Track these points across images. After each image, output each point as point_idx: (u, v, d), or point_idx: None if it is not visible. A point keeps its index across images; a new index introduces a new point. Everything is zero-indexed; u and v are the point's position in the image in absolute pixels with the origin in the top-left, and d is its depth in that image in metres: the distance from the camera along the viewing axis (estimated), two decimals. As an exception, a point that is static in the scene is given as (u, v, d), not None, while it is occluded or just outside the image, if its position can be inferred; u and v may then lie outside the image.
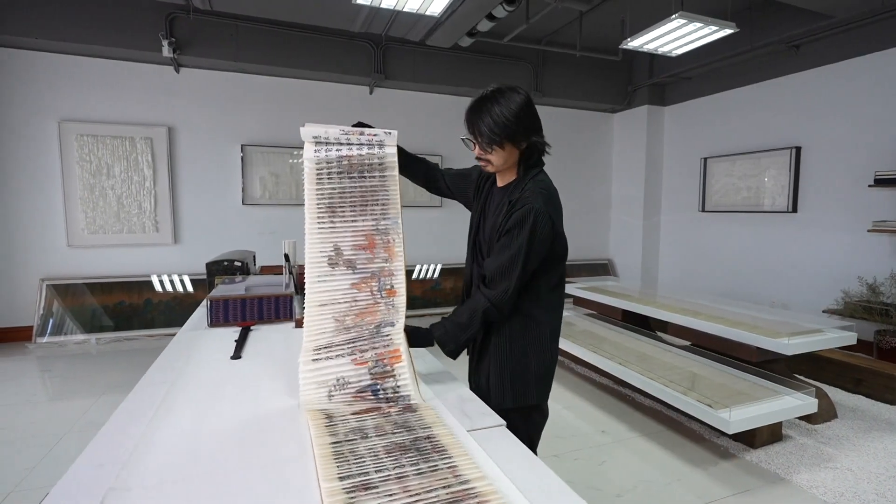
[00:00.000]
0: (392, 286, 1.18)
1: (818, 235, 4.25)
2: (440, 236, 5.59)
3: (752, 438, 2.36)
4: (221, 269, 2.57)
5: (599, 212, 6.51)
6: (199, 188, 4.68)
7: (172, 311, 4.56)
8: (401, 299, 1.17)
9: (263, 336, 1.69)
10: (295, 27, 4.48)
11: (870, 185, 3.78)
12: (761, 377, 2.63)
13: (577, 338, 3.55)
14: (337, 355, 1.09)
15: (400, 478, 0.80)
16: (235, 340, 1.61)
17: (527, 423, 1.33)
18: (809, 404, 2.34)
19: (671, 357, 3.07)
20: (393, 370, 1.08)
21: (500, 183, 1.34)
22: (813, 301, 4.22)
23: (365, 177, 1.23)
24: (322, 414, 1.02)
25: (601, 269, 6.53)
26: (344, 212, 1.19)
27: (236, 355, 1.45)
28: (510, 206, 1.22)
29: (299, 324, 1.81)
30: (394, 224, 1.21)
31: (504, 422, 1.05)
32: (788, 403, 2.33)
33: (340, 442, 0.92)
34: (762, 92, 4.72)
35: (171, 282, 4.62)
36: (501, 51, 5.24)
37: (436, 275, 5.52)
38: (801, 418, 2.69)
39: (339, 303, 1.14)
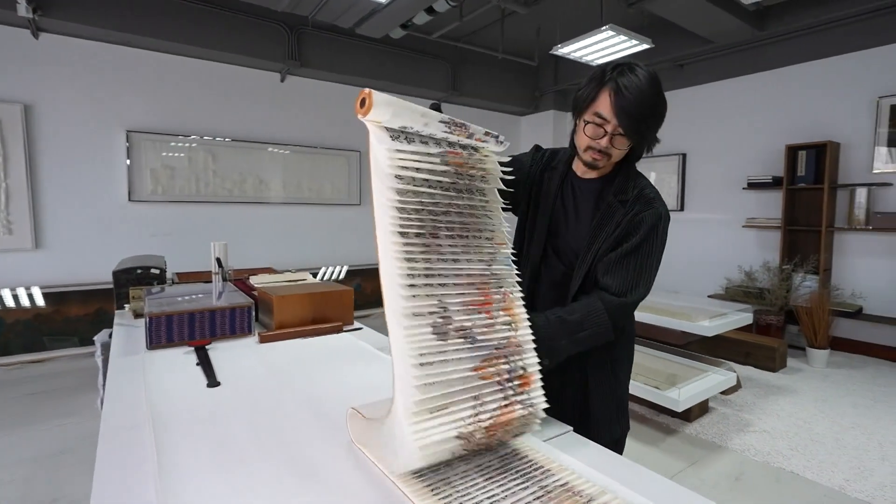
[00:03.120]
0: (525, 369, 0.75)
1: (702, 231, 4.89)
2: (358, 236, 5.35)
3: (688, 414, 2.62)
4: (134, 278, 2.14)
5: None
6: (70, 181, 3.87)
7: (36, 332, 3.71)
8: (536, 394, 0.74)
9: (227, 356, 1.42)
10: (195, -1, 3.93)
11: (743, 188, 4.45)
12: (686, 357, 2.93)
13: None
14: None
15: (522, 506, 0.69)
16: (197, 364, 1.33)
17: (620, 449, 1.18)
18: (731, 378, 2.67)
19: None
20: None
21: (583, 174, 1.12)
22: (700, 288, 4.85)
23: (473, 193, 0.79)
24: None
25: (512, 265, 6.80)
26: (445, 247, 0.73)
27: (213, 383, 1.19)
28: (627, 209, 1.03)
29: (264, 339, 1.56)
30: (508, 267, 0.80)
31: (570, 427, 0.99)
32: (716, 380, 2.62)
33: (423, 474, 0.78)
34: (653, 103, 5.29)
35: (31, 296, 3.75)
36: (421, 46, 5.17)
37: (341, 276, 5.22)
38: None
39: (461, 408, 0.67)
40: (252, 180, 4.67)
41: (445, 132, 0.75)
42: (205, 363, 1.32)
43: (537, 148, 1.25)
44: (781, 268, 4.07)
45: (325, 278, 5.09)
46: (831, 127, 3.99)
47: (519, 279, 0.82)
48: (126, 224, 4.08)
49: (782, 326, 3.99)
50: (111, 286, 4.01)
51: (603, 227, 1.05)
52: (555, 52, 3.74)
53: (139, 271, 2.14)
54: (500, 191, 0.86)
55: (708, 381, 2.60)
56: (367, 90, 0.66)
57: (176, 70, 4.21)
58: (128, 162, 4.03)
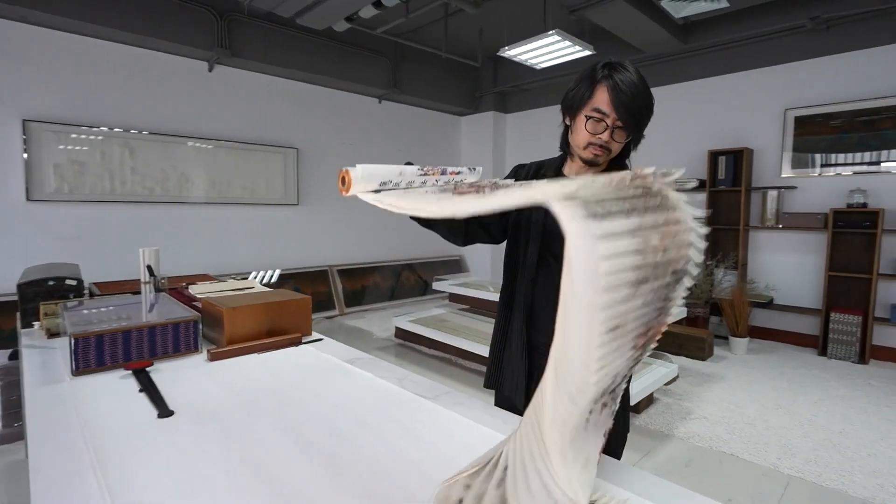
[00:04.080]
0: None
1: (634, 229, 5.18)
2: (296, 237, 5.09)
3: (638, 405, 2.73)
4: (44, 291, 1.85)
5: (452, 210, 6.78)
6: (-51, 177, 3.31)
7: None
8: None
9: (174, 378, 1.25)
10: (106, -26, 3.50)
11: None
12: (631, 352, 3.07)
13: (462, 332, 3.62)
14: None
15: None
16: (140, 390, 1.15)
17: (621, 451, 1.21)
18: (673, 370, 2.82)
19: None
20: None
21: (577, 174, 1.14)
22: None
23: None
24: None
25: (454, 264, 6.82)
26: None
27: (165, 412, 1.03)
28: None
29: (214, 356, 1.39)
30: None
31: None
32: (661, 372, 2.76)
33: None
34: (588, 108, 5.53)
35: None
36: (361, 41, 5.01)
37: (273, 280, 4.91)
38: (657, 382, 3.22)
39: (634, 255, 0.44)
40: (176, 178, 4.26)
41: (421, 174, 0.82)
42: (150, 389, 1.15)
43: (521, 165, 1.25)
44: (706, 263, 4.41)
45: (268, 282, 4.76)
46: (747, 135, 4.38)
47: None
48: (23, 227, 3.55)
49: (707, 318, 4.32)
50: (8, 299, 3.51)
51: None
52: (501, 54, 3.77)
53: (51, 283, 1.85)
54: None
55: (655, 373, 2.74)
56: (344, 169, 0.72)
57: (84, 53, 3.73)
58: (25, 156, 3.50)
